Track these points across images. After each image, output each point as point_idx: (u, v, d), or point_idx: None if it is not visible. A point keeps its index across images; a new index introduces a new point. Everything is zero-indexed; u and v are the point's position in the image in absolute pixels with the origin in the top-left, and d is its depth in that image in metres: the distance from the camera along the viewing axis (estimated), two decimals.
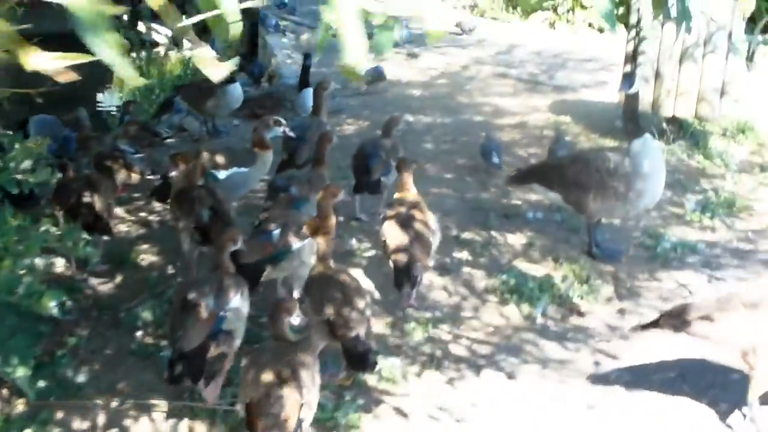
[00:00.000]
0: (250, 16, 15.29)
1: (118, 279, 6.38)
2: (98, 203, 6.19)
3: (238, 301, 4.88)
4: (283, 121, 7.41)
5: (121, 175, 8.00)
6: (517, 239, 7.28)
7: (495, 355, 5.55)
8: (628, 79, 6.85)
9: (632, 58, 9.81)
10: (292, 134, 7.49)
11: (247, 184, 7.30)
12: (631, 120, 6.77)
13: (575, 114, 11.13)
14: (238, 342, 4.83)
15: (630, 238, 7.43)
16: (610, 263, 6.87)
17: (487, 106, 11.81)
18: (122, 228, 7.35)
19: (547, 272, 6.67)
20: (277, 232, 5.62)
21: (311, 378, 4.14)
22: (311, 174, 6.85)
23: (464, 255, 6.91)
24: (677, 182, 8.69)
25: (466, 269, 6.71)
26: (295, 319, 4.57)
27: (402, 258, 5.87)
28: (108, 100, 12.57)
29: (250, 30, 15.87)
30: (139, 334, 5.61)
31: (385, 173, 7.29)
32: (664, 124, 9.80)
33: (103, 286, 6.27)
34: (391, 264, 5.96)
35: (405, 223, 6.06)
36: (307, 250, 5.64)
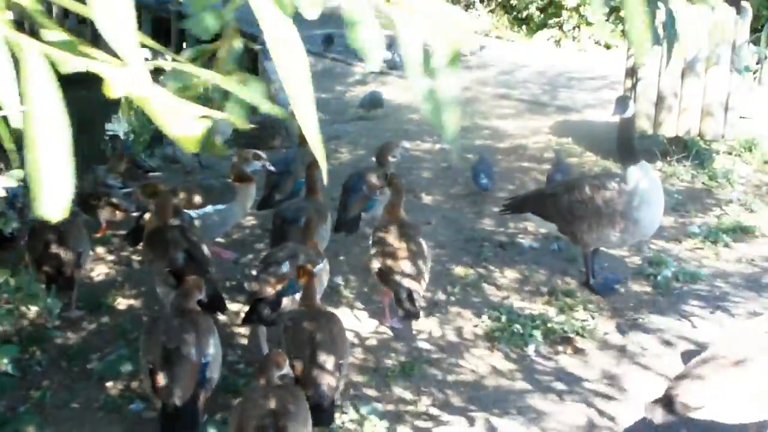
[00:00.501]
0: (252, 40, 15.05)
1: (93, 326, 6.08)
2: (64, 255, 5.88)
3: (215, 346, 4.76)
4: (263, 155, 7.16)
5: (104, 213, 7.75)
6: (511, 272, 6.94)
7: (478, 406, 5.18)
8: (622, 102, 6.46)
9: (632, 73, 9.47)
10: (272, 168, 7.24)
11: (227, 221, 6.98)
12: (625, 145, 6.40)
13: (577, 135, 10.81)
14: (213, 385, 4.75)
15: (628, 267, 7.08)
16: (607, 295, 6.53)
17: (487, 130, 11.51)
18: (102, 269, 7.06)
19: (542, 307, 6.34)
20: (287, 263, 5.41)
21: (304, 424, 4.10)
22: (315, 203, 6.63)
23: (455, 291, 6.57)
24: (680, 205, 8.35)
25: (454, 308, 6.36)
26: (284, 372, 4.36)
27: (404, 282, 5.70)
28: (116, 128, 12.37)
29: (249, 55, 15.61)
30: (109, 385, 5.28)
31: (368, 208, 6.91)
32: (667, 144, 9.44)
33: (76, 334, 5.96)
34: (390, 293, 5.85)
35: (399, 245, 5.89)
36: (322, 277, 5.58)
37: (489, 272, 6.93)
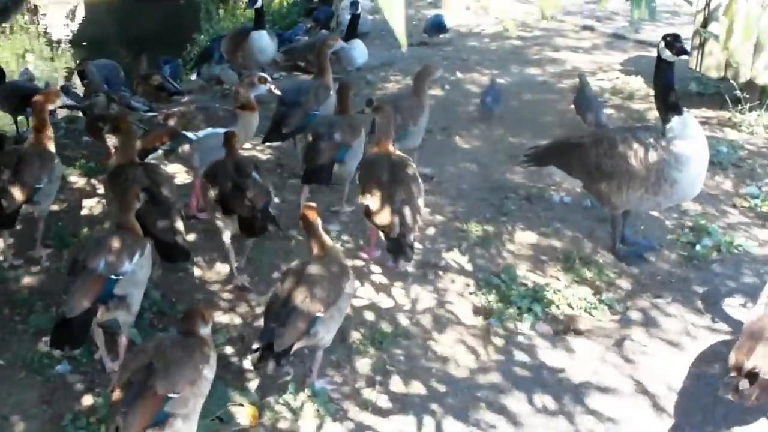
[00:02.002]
0: None
1: (56, 266, 5.50)
2: (12, 190, 5.26)
3: (134, 265, 4.33)
4: (269, 79, 6.40)
5: (112, 139, 7.17)
6: (529, 230, 6.05)
7: (445, 398, 4.36)
8: (672, 41, 5.35)
9: (706, 5, 8.30)
10: (278, 92, 6.53)
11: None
12: (664, 93, 5.36)
13: (648, 73, 9.63)
14: (134, 309, 4.41)
15: (668, 230, 6.11)
16: (634, 264, 5.61)
17: (554, 64, 10.46)
18: (90, 203, 6.49)
19: (552, 275, 5.47)
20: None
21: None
22: (351, 120, 6.28)
23: (460, 250, 5.73)
24: (742, 161, 7.24)
25: (451, 272, 5.53)
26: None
27: (394, 226, 5.11)
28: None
29: None
30: (45, 340, 4.64)
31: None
32: (740, 90, 8.27)
33: (32, 277, 5.39)
34: (381, 235, 5.23)
35: (390, 184, 5.28)
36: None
37: (504, 230, 6.06)
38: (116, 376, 3.79)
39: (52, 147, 5.68)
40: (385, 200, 5.17)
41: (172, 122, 6.09)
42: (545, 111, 8.67)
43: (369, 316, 5.01)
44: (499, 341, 4.81)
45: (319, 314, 4.10)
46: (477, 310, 5.08)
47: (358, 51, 10.05)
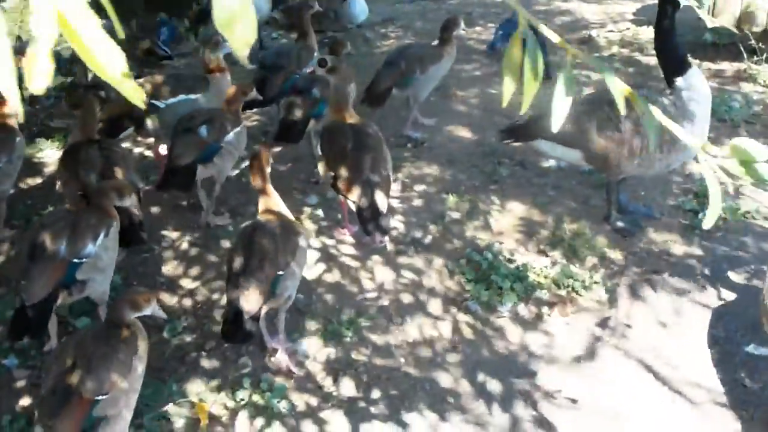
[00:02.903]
0: None
1: (19, 249, 5.17)
2: None
3: (98, 247, 4.00)
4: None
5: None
6: (519, 200, 5.59)
7: (412, 389, 3.99)
8: None
9: None
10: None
11: None
12: (667, 50, 4.88)
13: None
14: (100, 295, 4.13)
15: (667, 196, 5.63)
16: (629, 235, 5.16)
17: (563, 15, 9.89)
18: None
19: (539, 250, 5.04)
20: (204, 128, 5.13)
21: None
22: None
23: (443, 223, 5.31)
24: (756, 117, 6.69)
25: (431, 249, 5.10)
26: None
27: (364, 197, 4.70)
28: None
29: None
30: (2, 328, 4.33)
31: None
32: (755, 41, 7.69)
33: None
34: (351, 206, 4.83)
35: (355, 152, 4.88)
36: (236, 142, 5.27)
37: (493, 200, 5.61)
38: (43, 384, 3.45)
39: (13, 123, 5.31)
40: (351, 170, 4.77)
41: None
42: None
43: (336, 299, 4.62)
44: (476, 324, 4.41)
45: (280, 272, 3.89)
46: (455, 291, 4.67)
47: (359, 7, 9.59)
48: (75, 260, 3.92)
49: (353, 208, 4.80)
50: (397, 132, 6.55)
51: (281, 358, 4.09)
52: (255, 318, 3.79)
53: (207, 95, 5.79)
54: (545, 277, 4.70)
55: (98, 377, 3.23)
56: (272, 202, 4.31)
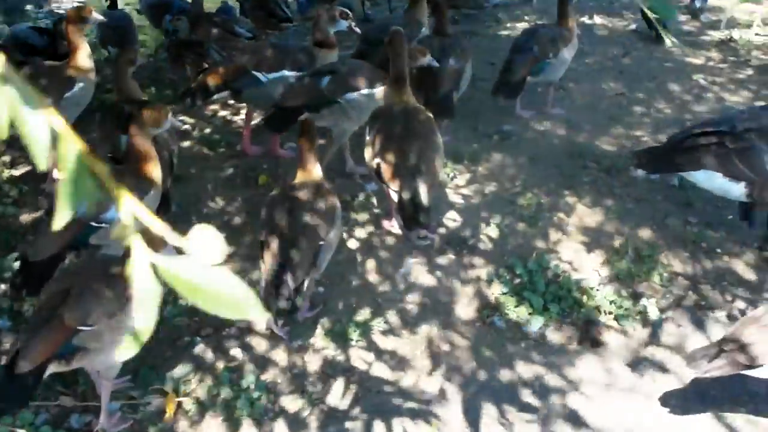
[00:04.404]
0: None
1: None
2: None
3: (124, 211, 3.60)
4: (350, 14, 5.66)
5: (194, 67, 6.74)
6: (592, 208, 5.08)
7: (400, 407, 3.61)
8: None
9: None
10: (358, 30, 5.81)
11: None
12: None
13: None
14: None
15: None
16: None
17: (710, 12, 9.06)
18: None
19: (594, 266, 4.54)
20: (327, 79, 5.01)
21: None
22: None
23: (493, 227, 4.88)
24: None
25: (479, 250, 4.69)
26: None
27: (406, 189, 4.38)
28: None
29: None
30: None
31: (537, 71, 5.94)
32: None
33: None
34: (392, 196, 4.50)
35: (401, 140, 4.50)
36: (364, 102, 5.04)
37: (562, 204, 5.12)
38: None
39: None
40: (396, 158, 4.43)
41: (243, 59, 5.46)
42: None
43: (358, 296, 4.30)
44: (495, 344, 3.99)
45: (321, 242, 3.80)
46: (485, 303, 4.25)
47: None
48: (93, 223, 3.74)
49: (395, 199, 4.48)
50: (486, 120, 6.14)
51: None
52: (297, 290, 3.70)
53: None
54: (587, 298, 4.21)
55: (84, 308, 3.10)
56: (311, 172, 4.13)
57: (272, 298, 3.61)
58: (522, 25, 8.57)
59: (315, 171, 4.15)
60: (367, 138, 4.68)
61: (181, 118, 6.16)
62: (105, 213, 3.76)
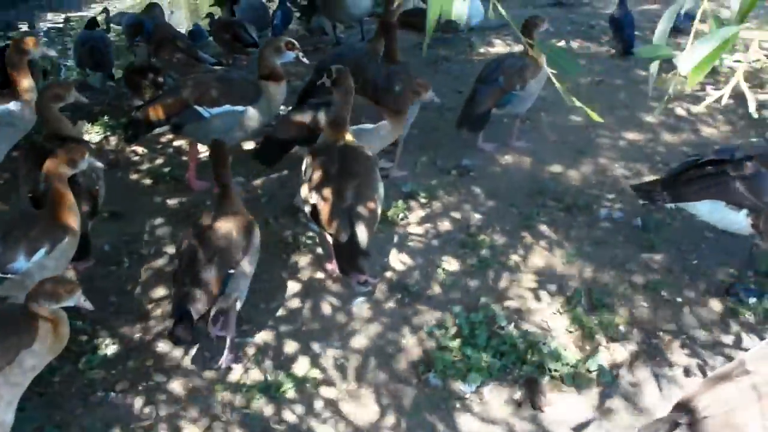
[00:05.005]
0: None
1: None
2: None
3: (33, 264, 3.57)
4: (297, 44, 5.36)
5: (148, 92, 6.50)
6: (549, 251, 4.77)
7: None
8: None
9: None
10: (305, 61, 5.48)
11: (244, 126, 5.26)
12: None
13: None
14: None
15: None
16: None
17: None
18: None
19: (544, 319, 4.22)
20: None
21: None
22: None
23: (441, 273, 4.57)
24: None
25: (425, 297, 4.39)
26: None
27: (343, 231, 4.12)
28: None
29: None
30: None
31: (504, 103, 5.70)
32: None
33: None
34: (329, 239, 4.25)
35: (339, 177, 4.27)
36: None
37: (517, 246, 4.82)
38: None
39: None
40: (331, 198, 4.15)
41: (185, 92, 5.17)
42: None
43: (298, 346, 4.01)
44: (428, 403, 3.67)
45: (231, 270, 3.68)
46: (423, 359, 3.93)
47: (473, 9, 8.80)
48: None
49: (330, 242, 4.20)
50: (447, 153, 5.85)
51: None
52: (203, 318, 3.60)
53: (255, 107, 5.21)
54: (533, 354, 3.89)
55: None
56: (231, 201, 3.96)
57: (180, 326, 3.52)
58: (496, 52, 8.29)
59: (233, 200, 4.00)
60: (303, 177, 4.39)
61: (133, 148, 5.92)
62: (12, 263, 3.53)
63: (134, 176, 5.73)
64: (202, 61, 7.28)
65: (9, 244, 3.54)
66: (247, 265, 3.80)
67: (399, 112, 5.06)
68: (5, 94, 5.10)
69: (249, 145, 6.04)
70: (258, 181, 5.59)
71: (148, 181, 5.64)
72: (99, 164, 4.06)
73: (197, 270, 3.61)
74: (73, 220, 3.75)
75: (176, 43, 7.26)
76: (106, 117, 6.61)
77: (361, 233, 4.10)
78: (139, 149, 6.10)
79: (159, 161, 5.97)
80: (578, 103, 2.13)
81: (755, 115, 6.05)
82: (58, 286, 3.07)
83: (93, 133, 6.38)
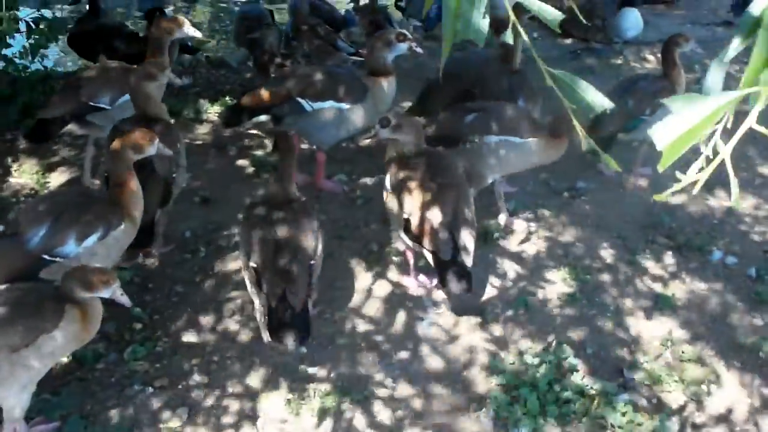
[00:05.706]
0: None
1: None
2: None
3: (84, 248, 3.41)
4: (409, 35, 5.06)
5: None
6: (645, 293, 4.42)
7: None
8: None
9: None
10: (419, 50, 5.10)
11: (346, 125, 5.06)
12: None
13: None
14: None
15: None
16: None
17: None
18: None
19: (619, 368, 3.89)
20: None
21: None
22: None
23: (521, 302, 4.29)
24: None
25: (497, 324, 4.12)
26: None
27: (442, 239, 3.89)
28: None
29: None
30: None
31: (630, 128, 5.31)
32: None
33: None
34: (427, 254, 3.96)
35: (434, 190, 4.02)
36: None
37: (615, 285, 4.47)
38: None
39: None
40: (431, 210, 3.94)
41: (290, 83, 5.07)
42: None
43: (368, 366, 3.83)
44: None
45: (312, 261, 3.63)
46: (479, 395, 3.69)
47: (630, 21, 8.37)
48: (46, 256, 3.38)
49: (429, 256, 3.96)
50: (563, 173, 5.52)
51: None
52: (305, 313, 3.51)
53: (361, 106, 4.98)
54: (599, 407, 3.58)
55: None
56: (291, 191, 3.92)
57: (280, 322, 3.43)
58: (648, 68, 7.82)
59: (291, 188, 3.91)
60: (387, 187, 4.22)
61: (246, 132, 5.87)
62: (61, 247, 3.42)
63: (239, 161, 5.66)
64: (339, 49, 7.16)
65: (59, 226, 3.39)
66: (320, 256, 3.76)
67: (556, 136, 4.60)
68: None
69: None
70: (359, 182, 5.44)
71: (250, 169, 5.55)
72: (168, 152, 3.89)
73: (286, 264, 3.51)
74: (134, 207, 3.60)
75: (316, 29, 7.16)
76: (227, 97, 6.58)
77: (466, 251, 3.89)
78: (252, 133, 6.03)
79: (268, 148, 5.84)
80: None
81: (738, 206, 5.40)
82: (93, 275, 2.99)
83: (212, 113, 6.38)
